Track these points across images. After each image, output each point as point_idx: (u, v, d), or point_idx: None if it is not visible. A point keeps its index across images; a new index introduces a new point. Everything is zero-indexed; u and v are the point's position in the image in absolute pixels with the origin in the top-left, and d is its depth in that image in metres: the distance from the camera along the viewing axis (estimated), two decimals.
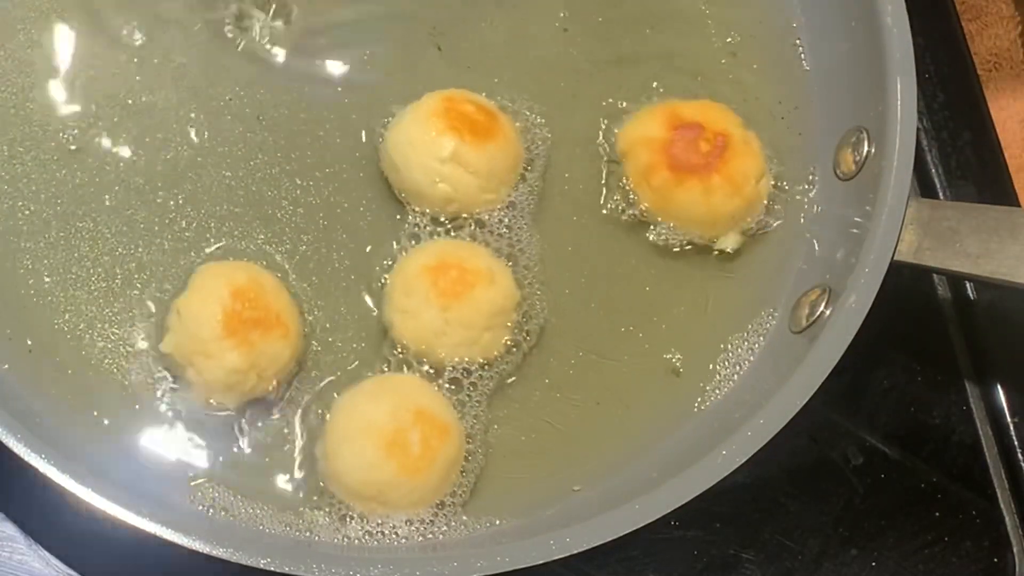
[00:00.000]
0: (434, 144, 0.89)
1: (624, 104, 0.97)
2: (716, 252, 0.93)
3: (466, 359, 0.87)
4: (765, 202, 0.94)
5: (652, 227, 0.93)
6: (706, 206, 0.92)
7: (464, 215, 0.91)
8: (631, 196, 0.94)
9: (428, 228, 0.91)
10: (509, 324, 0.89)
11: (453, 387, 0.87)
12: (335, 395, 0.86)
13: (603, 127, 0.96)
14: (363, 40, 0.97)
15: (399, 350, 0.87)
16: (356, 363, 0.88)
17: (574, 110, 0.97)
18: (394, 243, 0.91)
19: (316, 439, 0.85)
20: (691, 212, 0.92)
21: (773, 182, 0.95)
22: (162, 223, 0.90)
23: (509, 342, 0.89)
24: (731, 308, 0.93)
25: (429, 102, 0.91)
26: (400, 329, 0.87)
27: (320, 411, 0.86)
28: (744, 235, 0.94)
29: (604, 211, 0.94)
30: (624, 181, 0.94)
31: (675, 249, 0.93)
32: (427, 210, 0.91)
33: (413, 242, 0.91)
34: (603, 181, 0.95)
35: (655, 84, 0.98)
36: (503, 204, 0.92)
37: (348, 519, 0.83)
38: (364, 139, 0.94)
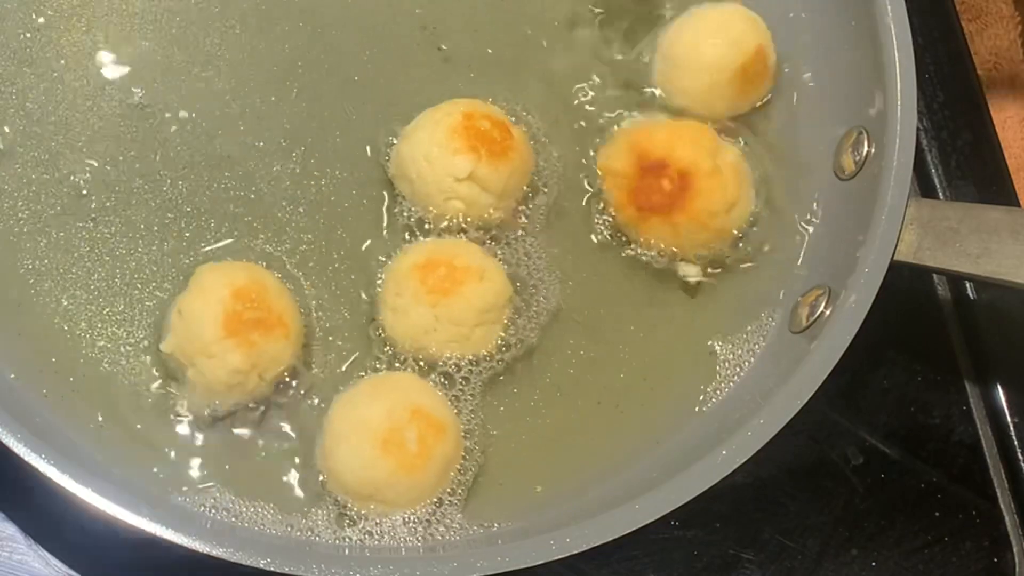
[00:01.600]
0: (452, 163, 0.89)
1: (621, 110, 0.97)
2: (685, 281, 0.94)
3: (457, 355, 0.87)
4: (737, 232, 0.94)
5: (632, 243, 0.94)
6: (674, 238, 0.92)
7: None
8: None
9: (428, 228, 0.91)
10: (502, 320, 0.89)
11: (446, 383, 0.87)
12: (334, 394, 0.86)
13: (602, 128, 0.96)
14: (364, 40, 0.97)
15: (392, 348, 0.87)
16: (355, 362, 0.88)
17: (575, 110, 0.97)
18: (393, 242, 0.91)
19: (315, 439, 0.85)
20: (663, 242, 0.92)
21: (771, 190, 0.95)
22: (162, 223, 0.90)
23: (501, 339, 0.89)
24: (731, 308, 0.93)
25: (447, 119, 0.90)
26: (392, 327, 0.87)
27: (319, 411, 0.86)
28: (702, 264, 0.94)
29: (605, 212, 0.95)
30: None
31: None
32: (431, 210, 0.91)
33: (409, 238, 0.91)
34: (599, 183, 0.95)
35: (654, 82, 0.98)
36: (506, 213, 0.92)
37: (348, 519, 0.83)
38: (364, 139, 0.94)
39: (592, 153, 0.95)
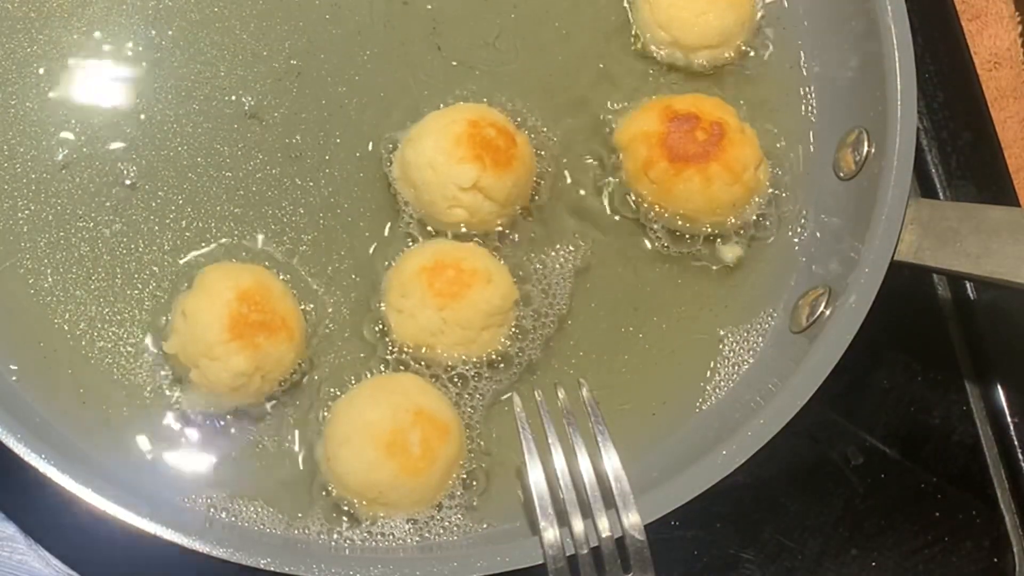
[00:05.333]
0: (457, 172, 0.88)
1: (621, 105, 0.97)
2: (716, 267, 0.94)
3: (464, 357, 0.87)
4: (770, 189, 0.94)
5: (652, 225, 0.94)
6: (706, 195, 0.92)
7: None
8: (630, 193, 0.94)
9: (430, 232, 0.91)
10: (508, 323, 0.89)
11: (454, 384, 0.87)
12: (336, 396, 0.86)
13: (603, 127, 0.97)
14: (363, 40, 0.97)
15: (397, 349, 0.87)
16: (357, 363, 0.88)
17: (574, 111, 0.97)
18: (394, 243, 0.91)
19: (317, 440, 0.85)
20: (691, 202, 0.92)
21: (772, 189, 0.95)
22: (162, 223, 0.90)
23: (508, 337, 0.89)
24: (731, 308, 0.93)
25: (453, 127, 0.90)
26: (398, 329, 0.87)
27: (321, 412, 0.86)
28: (742, 244, 0.94)
29: (605, 212, 0.95)
30: (623, 178, 0.94)
31: (677, 250, 0.94)
32: (434, 216, 0.91)
33: (410, 242, 0.91)
34: (603, 182, 0.95)
35: (652, 84, 0.98)
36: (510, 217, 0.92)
37: (348, 520, 0.83)
38: (365, 139, 0.94)
39: (598, 154, 0.96)
